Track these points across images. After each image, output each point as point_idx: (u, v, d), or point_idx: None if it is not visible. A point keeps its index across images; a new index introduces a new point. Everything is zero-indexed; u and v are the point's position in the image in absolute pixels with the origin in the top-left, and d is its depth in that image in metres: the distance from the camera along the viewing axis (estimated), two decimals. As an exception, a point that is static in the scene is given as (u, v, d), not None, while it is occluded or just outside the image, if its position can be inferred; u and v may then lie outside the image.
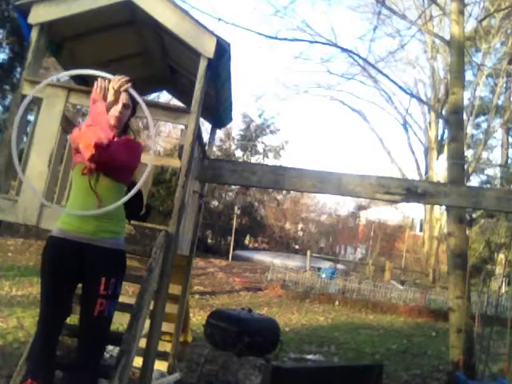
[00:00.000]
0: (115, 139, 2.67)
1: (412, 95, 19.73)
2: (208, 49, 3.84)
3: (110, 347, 4.79)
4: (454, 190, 4.51)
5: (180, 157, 3.88)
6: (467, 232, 6.83)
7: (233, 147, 23.69)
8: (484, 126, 22.33)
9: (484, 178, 23.58)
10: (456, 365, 5.74)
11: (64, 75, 2.84)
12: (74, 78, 5.26)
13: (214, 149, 14.42)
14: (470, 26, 14.47)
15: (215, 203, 21.66)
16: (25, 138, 4.77)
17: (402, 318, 11.64)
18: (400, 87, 15.96)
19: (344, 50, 10.54)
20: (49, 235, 2.71)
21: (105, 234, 2.64)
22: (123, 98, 2.75)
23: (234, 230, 19.43)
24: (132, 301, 3.58)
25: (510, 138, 22.57)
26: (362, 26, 21.19)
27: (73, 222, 2.62)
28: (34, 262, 11.25)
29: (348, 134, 50.07)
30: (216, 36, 3.85)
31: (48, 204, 2.72)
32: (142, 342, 3.43)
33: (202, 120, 5.07)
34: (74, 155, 2.73)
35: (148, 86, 5.84)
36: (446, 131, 16.84)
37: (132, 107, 2.84)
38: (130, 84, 2.70)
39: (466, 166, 12.40)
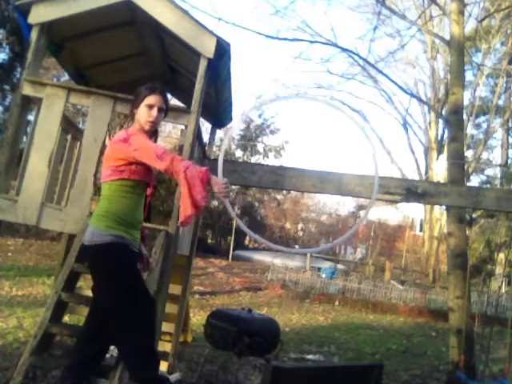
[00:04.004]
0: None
1: (412, 95, 19.71)
2: (208, 49, 3.84)
3: (110, 347, 4.79)
4: (454, 190, 4.51)
5: (180, 157, 3.87)
6: (467, 232, 6.83)
7: (233, 147, 23.69)
8: (484, 126, 22.35)
9: (484, 178, 23.61)
10: (456, 365, 5.73)
11: None
12: (74, 77, 5.28)
13: (214, 149, 14.40)
14: (469, 26, 14.51)
15: (215, 203, 21.65)
16: (25, 138, 4.77)
17: (402, 318, 11.63)
18: (400, 87, 15.90)
19: (344, 49, 10.52)
20: (114, 241, 2.61)
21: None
22: (158, 101, 2.71)
23: (234, 230, 19.42)
24: (132, 301, 3.58)
25: (510, 137, 22.57)
26: (362, 25, 21.20)
27: (130, 231, 2.68)
28: (33, 262, 11.27)
29: (348, 134, 50.00)
30: (216, 36, 3.85)
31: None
32: (142, 342, 3.43)
33: (202, 120, 5.07)
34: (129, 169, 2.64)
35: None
36: (446, 131, 16.82)
37: (165, 110, 2.82)
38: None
39: (465, 166, 12.40)
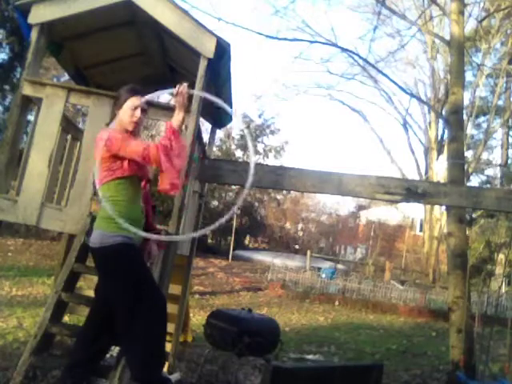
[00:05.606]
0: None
1: (412, 95, 19.73)
2: (208, 49, 3.84)
3: (110, 347, 4.80)
4: (454, 190, 4.50)
5: (180, 157, 3.86)
6: (467, 232, 6.82)
7: (233, 147, 23.67)
8: (484, 126, 22.33)
9: (484, 178, 23.59)
10: (456, 365, 5.73)
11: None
12: (74, 77, 5.28)
13: (214, 149, 14.40)
14: (469, 26, 14.48)
15: (215, 203, 21.63)
16: (25, 138, 4.77)
17: (402, 318, 11.63)
18: (400, 87, 15.95)
19: (344, 49, 10.54)
20: (124, 242, 2.67)
21: None
22: (140, 102, 2.80)
23: (234, 230, 19.42)
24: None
25: (510, 137, 22.57)
26: (362, 25, 21.22)
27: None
28: (34, 262, 11.26)
29: (348, 134, 50.07)
30: (216, 36, 3.85)
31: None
32: (142, 342, 3.42)
33: (202, 120, 5.06)
34: (128, 163, 2.71)
35: (148, 85, 5.83)
36: (446, 131, 16.81)
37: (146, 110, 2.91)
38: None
39: (466, 166, 12.40)
